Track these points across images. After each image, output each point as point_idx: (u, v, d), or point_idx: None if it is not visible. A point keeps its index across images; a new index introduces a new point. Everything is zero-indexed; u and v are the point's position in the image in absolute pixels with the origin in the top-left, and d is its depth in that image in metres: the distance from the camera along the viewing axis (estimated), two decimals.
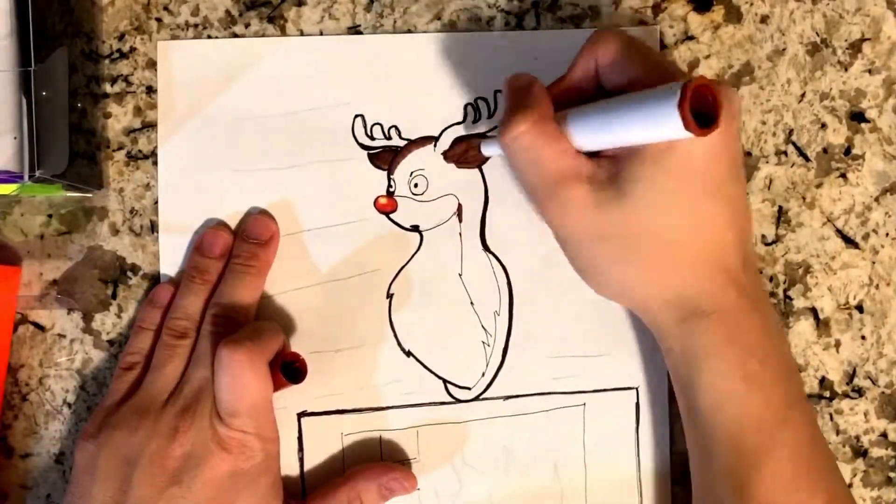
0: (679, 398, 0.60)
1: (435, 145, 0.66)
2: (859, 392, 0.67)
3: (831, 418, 0.67)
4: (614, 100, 0.54)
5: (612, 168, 0.55)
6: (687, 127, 0.48)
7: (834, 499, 0.57)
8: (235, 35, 0.66)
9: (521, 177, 0.59)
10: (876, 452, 0.67)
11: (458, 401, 0.66)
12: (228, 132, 0.66)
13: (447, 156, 0.66)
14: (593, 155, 0.57)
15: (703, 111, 0.49)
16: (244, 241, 0.64)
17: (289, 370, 0.61)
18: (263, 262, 0.64)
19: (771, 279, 0.66)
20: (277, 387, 0.60)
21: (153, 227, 0.66)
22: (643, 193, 0.54)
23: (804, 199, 0.67)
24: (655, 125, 0.50)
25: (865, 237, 0.67)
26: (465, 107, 0.66)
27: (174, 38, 0.66)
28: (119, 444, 0.59)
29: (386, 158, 0.66)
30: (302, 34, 0.66)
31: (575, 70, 0.59)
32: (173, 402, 0.60)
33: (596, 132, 0.55)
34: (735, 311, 0.56)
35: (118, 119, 0.66)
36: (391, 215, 0.66)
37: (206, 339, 0.61)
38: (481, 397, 0.66)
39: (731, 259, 0.56)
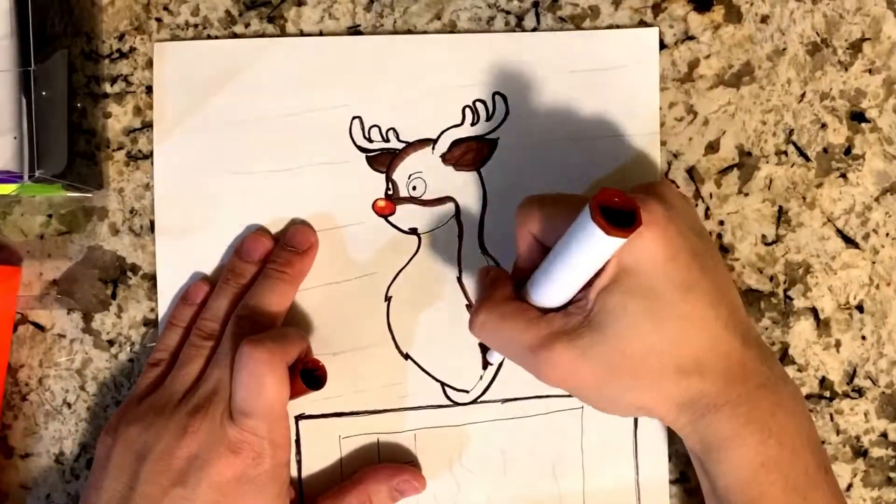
0: (701, 480, 0.59)
1: (433, 148, 0.66)
2: (859, 392, 0.67)
3: (831, 418, 0.67)
4: (551, 252, 0.55)
5: (582, 312, 0.55)
6: (607, 231, 0.48)
7: None
8: (235, 35, 0.66)
9: (506, 355, 0.60)
10: (876, 452, 0.67)
11: (457, 404, 0.66)
12: (225, 134, 0.66)
13: (446, 158, 0.66)
14: (563, 308, 0.57)
15: (625, 216, 0.49)
16: (283, 248, 0.65)
17: (309, 377, 0.61)
18: (298, 270, 0.64)
19: (771, 279, 0.66)
20: (296, 393, 0.60)
21: (153, 227, 0.66)
22: (619, 322, 0.54)
23: (804, 199, 0.66)
24: (586, 247, 0.51)
25: (866, 237, 0.66)
26: (464, 109, 0.66)
27: (174, 38, 0.66)
28: (133, 440, 0.59)
29: (384, 161, 0.66)
30: (302, 34, 0.66)
31: (519, 247, 0.60)
32: (187, 401, 0.60)
33: (549, 286, 0.56)
34: (745, 396, 0.55)
35: (118, 119, 0.66)
36: (389, 218, 0.66)
37: (228, 340, 0.61)
38: (479, 400, 0.66)
39: (727, 345, 0.56)
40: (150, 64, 0.66)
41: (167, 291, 0.66)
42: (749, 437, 0.55)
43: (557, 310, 0.57)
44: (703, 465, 0.58)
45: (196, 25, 0.66)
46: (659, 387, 0.56)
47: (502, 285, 0.58)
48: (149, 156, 0.66)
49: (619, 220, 0.49)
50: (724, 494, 0.57)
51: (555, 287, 0.55)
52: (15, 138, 0.59)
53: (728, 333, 0.56)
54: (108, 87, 0.66)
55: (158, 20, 0.66)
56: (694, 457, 0.59)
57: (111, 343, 0.66)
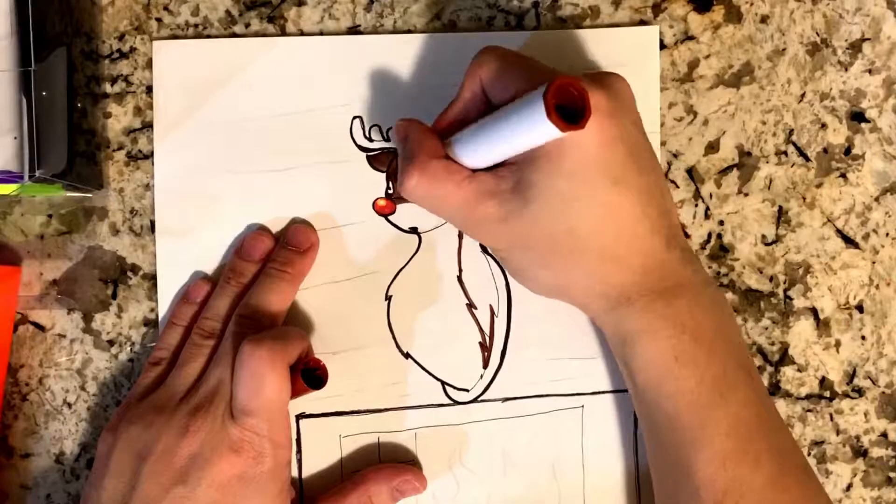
0: (625, 379, 0.60)
1: None
2: (859, 392, 0.67)
3: (831, 418, 0.67)
4: (491, 115, 0.55)
5: (512, 177, 0.56)
6: (558, 126, 0.48)
7: (780, 474, 0.56)
8: (235, 35, 0.66)
9: (439, 215, 0.60)
10: (876, 452, 0.67)
11: (457, 403, 0.66)
12: (225, 134, 0.66)
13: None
14: (494, 167, 0.57)
15: (575, 108, 0.50)
16: (283, 247, 0.64)
17: (310, 376, 0.61)
18: (298, 269, 0.64)
19: (771, 279, 0.66)
20: (296, 392, 0.60)
21: (153, 227, 0.66)
22: (545, 198, 0.55)
23: (804, 199, 0.66)
24: (529, 130, 0.51)
25: (865, 237, 0.66)
26: None
27: (174, 38, 0.66)
28: (133, 439, 0.59)
29: (384, 160, 0.66)
30: (302, 34, 0.66)
31: (463, 93, 0.60)
32: (188, 400, 0.60)
33: (481, 152, 0.56)
34: (660, 293, 0.56)
35: (118, 119, 0.66)
36: (390, 217, 0.66)
37: (229, 339, 0.61)
38: (479, 399, 0.66)
39: (649, 244, 0.56)
40: (150, 64, 0.66)
41: (167, 291, 0.66)
42: (662, 330, 0.56)
43: (486, 170, 0.57)
44: (622, 361, 0.59)
45: (196, 25, 0.66)
46: (574, 271, 0.57)
47: (429, 143, 0.58)
48: (149, 156, 0.66)
49: (568, 108, 0.49)
50: (642, 392, 0.58)
51: (487, 154, 0.56)
52: (15, 138, 0.59)
53: (652, 233, 0.56)
54: (108, 87, 0.66)
55: (158, 20, 0.66)
56: (616, 354, 0.60)
57: (111, 343, 0.66)
